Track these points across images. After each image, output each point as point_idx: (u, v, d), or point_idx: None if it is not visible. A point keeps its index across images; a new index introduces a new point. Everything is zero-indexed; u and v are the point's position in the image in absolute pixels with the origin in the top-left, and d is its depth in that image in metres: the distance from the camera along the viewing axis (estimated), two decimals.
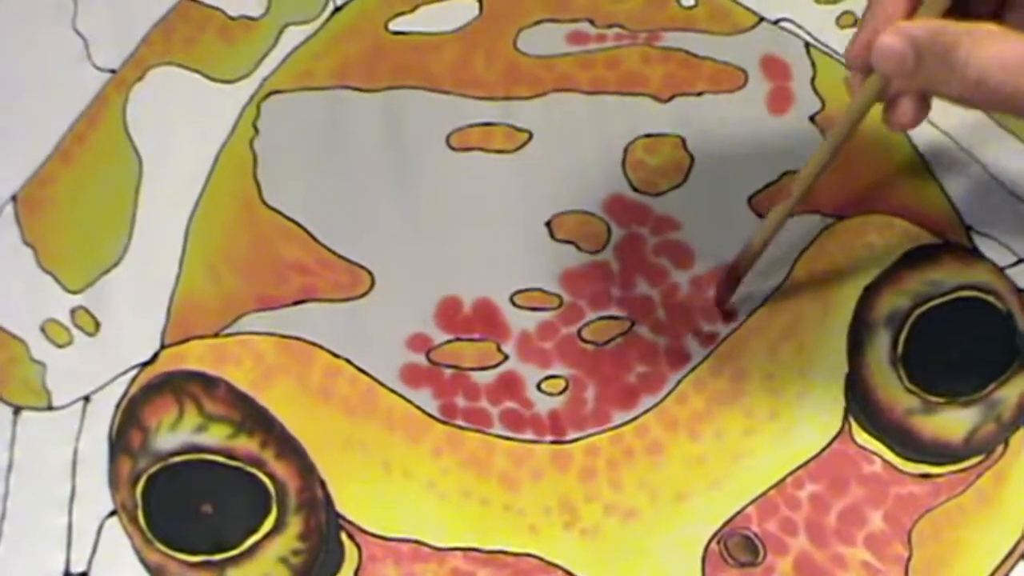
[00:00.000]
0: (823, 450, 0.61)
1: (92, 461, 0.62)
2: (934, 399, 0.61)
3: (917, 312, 0.63)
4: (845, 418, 0.62)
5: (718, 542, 0.60)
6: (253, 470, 0.61)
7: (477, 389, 0.63)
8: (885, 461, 0.61)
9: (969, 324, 0.63)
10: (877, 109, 0.53)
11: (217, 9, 0.71)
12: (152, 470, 0.61)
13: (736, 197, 0.66)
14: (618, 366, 0.63)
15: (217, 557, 0.60)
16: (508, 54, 0.69)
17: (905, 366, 0.62)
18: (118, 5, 0.72)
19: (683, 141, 0.67)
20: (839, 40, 0.68)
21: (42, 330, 0.65)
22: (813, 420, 0.62)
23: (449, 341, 0.64)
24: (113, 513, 0.61)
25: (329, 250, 0.66)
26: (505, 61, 0.69)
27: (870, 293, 0.63)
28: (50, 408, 0.63)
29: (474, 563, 0.60)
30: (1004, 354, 0.62)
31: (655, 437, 0.62)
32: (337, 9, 0.71)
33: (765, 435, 0.61)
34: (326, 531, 0.61)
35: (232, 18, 0.71)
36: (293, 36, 0.71)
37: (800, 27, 0.69)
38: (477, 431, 0.62)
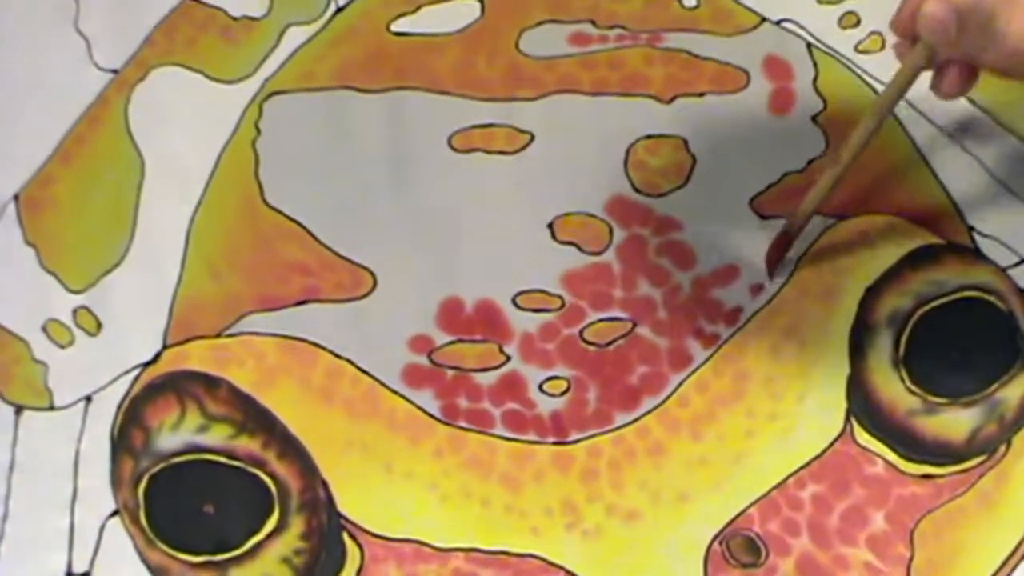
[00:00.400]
0: (825, 451, 0.61)
1: (94, 461, 0.62)
2: (936, 400, 0.61)
3: (919, 313, 0.63)
4: (847, 419, 0.62)
5: (720, 543, 0.60)
6: (255, 470, 0.61)
7: (479, 390, 0.63)
8: (887, 462, 0.61)
9: (971, 325, 0.63)
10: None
11: (219, 9, 0.71)
12: (154, 470, 0.61)
13: (738, 198, 0.66)
14: (620, 367, 0.63)
15: (219, 557, 0.60)
16: (510, 55, 0.69)
17: (907, 367, 0.62)
18: (120, 6, 0.72)
19: (685, 142, 0.67)
20: (841, 41, 0.68)
21: (44, 330, 0.65)
22: (815, 421, 0.62)
23: (451, 342, 0.64)
24: (115, 513, 0.61)
25: (331, 251, 0.66)
26: (507, 62, 0.69)
27: (872, 294, 0.63)
28: (52, 408, 0.63)
29: (476, 564, 0.60)
30: (1006, 354, 0.62)
31: (657, 438, 0.62)
32: (339, 10, 0.71)
33: (767, 436, 0.61)
34: (328, 531, 0.61)
35: (234, 18, 0.71)
36: (295, 36, 0.70)
37: (802, 28, 0.69)
38: (479, 432, 0.62)
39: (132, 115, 0.69)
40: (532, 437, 0.62)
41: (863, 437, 0.61)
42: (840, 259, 0.64)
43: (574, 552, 0.60)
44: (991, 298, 0.63)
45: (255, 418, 0.62)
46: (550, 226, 0.66)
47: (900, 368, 0.62)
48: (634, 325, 0.64)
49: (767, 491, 0.61)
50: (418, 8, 0.71)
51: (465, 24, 0.70)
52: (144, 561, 0.60)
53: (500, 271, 0.65)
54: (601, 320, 0.64)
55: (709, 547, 0.60)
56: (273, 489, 0.61)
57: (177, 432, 0.62)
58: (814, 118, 0.67)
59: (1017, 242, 0.64)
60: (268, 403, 0.62)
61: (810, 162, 0.66)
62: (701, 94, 0.68)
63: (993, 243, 0.64)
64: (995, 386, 0.62)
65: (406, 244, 0.66)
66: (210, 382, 0.63)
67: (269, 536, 0.60)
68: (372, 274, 0.65)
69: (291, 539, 0.60)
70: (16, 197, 0.68)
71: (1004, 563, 0.59)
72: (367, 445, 0.62)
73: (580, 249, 0.65)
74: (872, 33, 0.68)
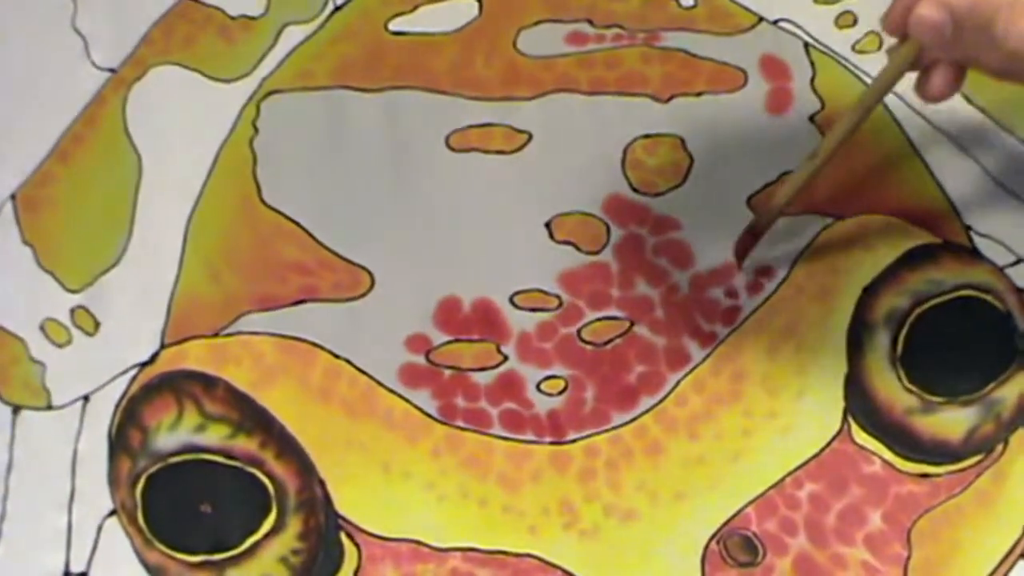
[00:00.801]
0: (822, 450, 0.61)
1: (91, 461, 0.62)
2: (933, 399, 0.61)
3: (916, 312, 0.63)
4: (844, 418, 0.62)
5: (718, 542, 0.60)
6: (252, 470, 0.61)
7: (477, 389, 0.63)
8: (884, 461, 0.61)
9: (968, 324, 0.63)
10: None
11: (217, 8, 0.71)
12: (152, 470, 0.61)
13: (735, 197, 0.66)
14: (617, 366, 0.63)
15: (217, 557, 0.60)
16: (508, 54, 0.69)
17: (904, 366, 0.62)
18: (118, 4, 0.72)
19: (682, 141, 0.67)
20: (838, 41, 0.68)
21: (41, 329, 0.65)
22: (812, 420, 0.62)
23: (449, 342, 0.64)
24: (113, 513, 0.61)
25: (329, 250, 0.66)
26: (505, 61, 0.69)
27: (869, 293, 0.63)
28: (50, 408, 0.63)
29: (473, 563, 0.60)
30: (1003, 353, 0.62)
31: (654, 437, 0.62)
32: (337, 9, 0.71)
33: (764, 435, 0.61)
34: (326, 531, 0.61)
35: (232, 17, 0.71)
36: (293, 36, 0.70)
37: (799, 27, 0.69)
38: (476, 432, 0.62)
39: (130, 114, 0.69)
40: (530, 437, 0.62)
41: (861, 436, 0.61)
42: (838, 259, 0.64)
43: (571, 552, 0.60)
44: (988, 297, 0.63)
45: (253, 418, 0.62)
46: (547, 225, 0.66)
47: (898, 367, 0.62)
48: (632, 324, 0.64)
49: (764, 490, 0.61)
50: (416, 7, 0.71)
51: (463, 23, 0.70)
52: (142, 561, 0.60)
53: (498, 270, 0.65)
54: (599, 319, 0.64)
55: (706, 546, 0.60)
56: (271, 489, 0.61)
57: (175, 432, 0.62)
58: (811, 118, 0.67)
59: (1014, 241, 0.64)
60: (266, 403, 0.62)
61: None
62: (698, 94, 0.68)
63: (990, 242, 0.64)
64: (992, 385, 0.62)
65: (404, 243, 0.66)
66: (208, 382, 0.63)
67: (267, 536, 0.60)
68: (370, 273, 0.65)
69: (289, 539, 0.60)
70: (13, 196, 0.68)
71: (1001, 562, 0.59)
72: (365, 445, 0.62)
73: (578, 248, 0.65)
74: (869, 33, 0.68)
